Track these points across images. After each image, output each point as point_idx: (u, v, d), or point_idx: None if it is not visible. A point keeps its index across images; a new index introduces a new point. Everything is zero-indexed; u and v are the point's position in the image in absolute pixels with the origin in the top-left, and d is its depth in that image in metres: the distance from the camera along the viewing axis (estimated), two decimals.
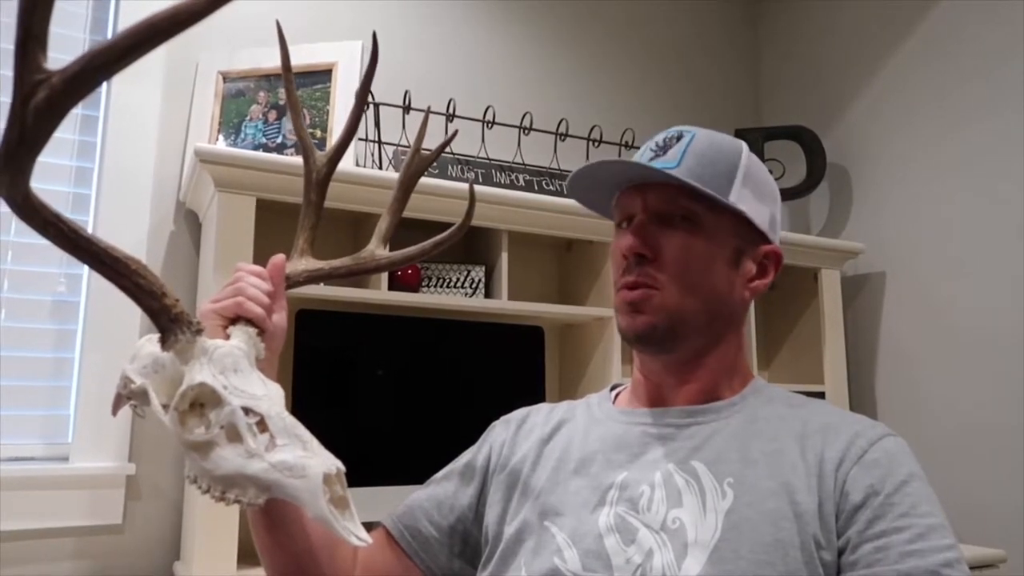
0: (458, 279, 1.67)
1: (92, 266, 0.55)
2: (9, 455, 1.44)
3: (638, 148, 1.91)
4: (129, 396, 0.60)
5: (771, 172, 0.84)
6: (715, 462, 0.72)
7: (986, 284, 1.82)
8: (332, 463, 0.56)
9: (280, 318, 0.73)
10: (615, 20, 2.25)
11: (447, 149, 1.74)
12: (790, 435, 0.72)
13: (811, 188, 2.12)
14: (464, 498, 0.85)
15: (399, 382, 1.59)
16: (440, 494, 0.86)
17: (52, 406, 1.50)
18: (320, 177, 0.80)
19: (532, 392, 1.71)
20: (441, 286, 1.65)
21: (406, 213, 1.54)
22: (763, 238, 0.79)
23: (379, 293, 1.53)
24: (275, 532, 0.76)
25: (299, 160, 1.41)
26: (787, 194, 2.12)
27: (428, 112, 0.94)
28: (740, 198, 0.76)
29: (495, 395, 1.67)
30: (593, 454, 0.78)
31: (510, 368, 1.72)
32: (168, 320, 0.58)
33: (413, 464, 1.55)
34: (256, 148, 1.58)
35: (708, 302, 0.76)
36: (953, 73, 1.93)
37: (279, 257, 0.75)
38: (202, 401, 0.57)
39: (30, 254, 1.52)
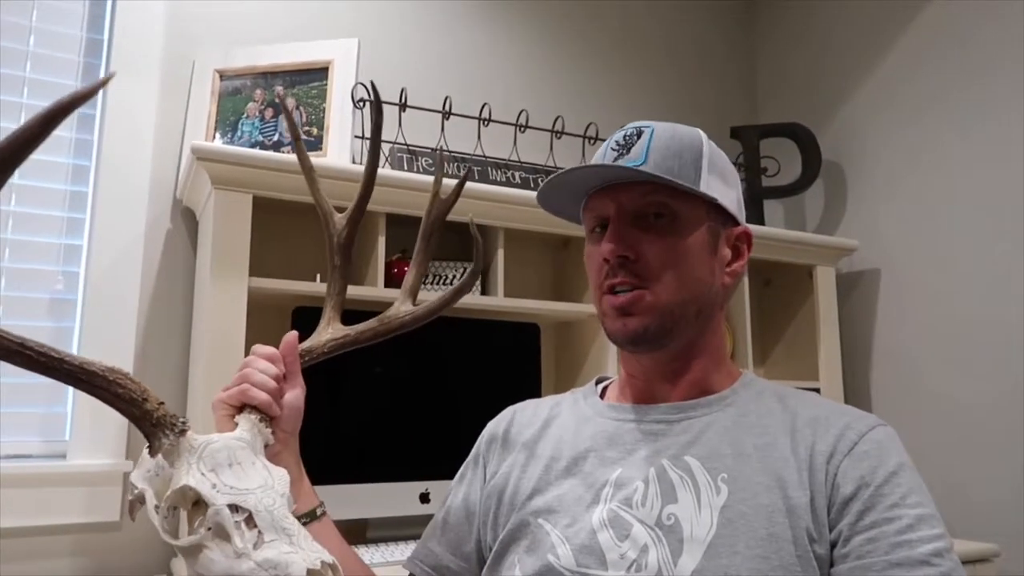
0: (454, 276, 1.67)
1: (68, 383, 0.55)
2: (7, 452, 1.44)
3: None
4: (139, 502, 0.61)
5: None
6: (709, 457, 0.72)
7: (980, 280, 1.83)
8: (316, 557, 0.56)
9: (294, 396, 0.74)
10: (611, 18, 2.25)
11: (444, 147, 1.75)
12: (781, 429, 0.73)
13: (806, 185, 2.13)
14: (476, 522, 0.85)
15: (396, 379, 1.59)
16: (453, 526, 0.86)
17: (50, 403, 1.51)
18: (342, 240, 0.78)
19: (528, 389, 1.71)
20: (437, 283, 1.66)
21: (404, 211, 1.54)
22: (733, 221, 0.80)
23: (375, 291, 1.53)
24: None
25: (295, 158, 1.41)
26: (782, 191, 2.12)
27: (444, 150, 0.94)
28: (710, 185, 0.77)
29: (491, 392, 1.67)
30: (585, 452, 0.78)
31: (506, 365, 1.72)
32: (151, 425, 0.59)
33: (410, 461, 1.56)
34: (253, 146, 1.58)
35: (696, 293, 0.76)
36: (949, 71, 1.94)
37: (291, 335, 0.75)
38: (196, 499, 0.57)
39: (28, 251, 1.52)
